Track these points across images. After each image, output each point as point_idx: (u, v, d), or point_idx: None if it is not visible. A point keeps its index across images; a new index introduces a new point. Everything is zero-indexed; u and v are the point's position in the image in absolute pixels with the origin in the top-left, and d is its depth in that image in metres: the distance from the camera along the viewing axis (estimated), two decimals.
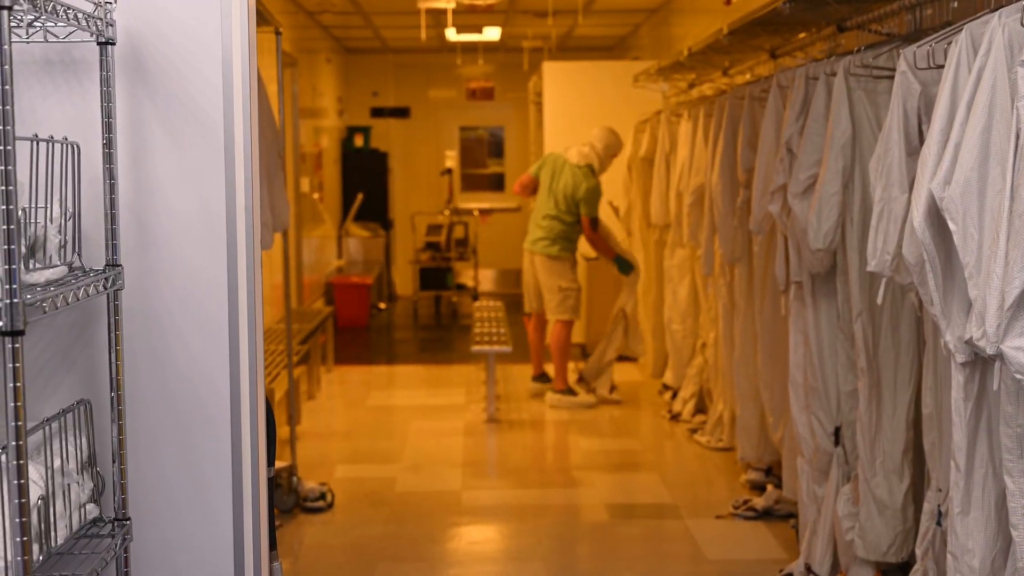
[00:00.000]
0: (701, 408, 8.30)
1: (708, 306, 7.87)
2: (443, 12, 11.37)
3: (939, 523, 3.97)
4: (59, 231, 2.79)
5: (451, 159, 14.77)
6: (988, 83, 3.06)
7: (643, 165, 9.57)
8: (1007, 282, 2.86)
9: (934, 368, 4.03)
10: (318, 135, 13.06)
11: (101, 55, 3.01)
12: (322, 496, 6.58)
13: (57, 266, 2.76)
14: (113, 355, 3.02)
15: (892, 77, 3.93)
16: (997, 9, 3.13)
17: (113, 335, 3.02)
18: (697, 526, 6.21)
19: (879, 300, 3.98)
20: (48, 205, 2.77)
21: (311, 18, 12.16)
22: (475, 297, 13.72)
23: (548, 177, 9.31)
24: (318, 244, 12.95)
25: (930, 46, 3.67)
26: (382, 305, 14.27)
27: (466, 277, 14.58)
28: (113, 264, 3.02)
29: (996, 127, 3.04)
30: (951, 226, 3.12)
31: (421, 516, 6.50)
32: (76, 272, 2.88)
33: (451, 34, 12.56)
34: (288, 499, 6.49)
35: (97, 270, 2.98)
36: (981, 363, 3.25)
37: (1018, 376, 2.88)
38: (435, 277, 13.87)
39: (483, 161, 16.58)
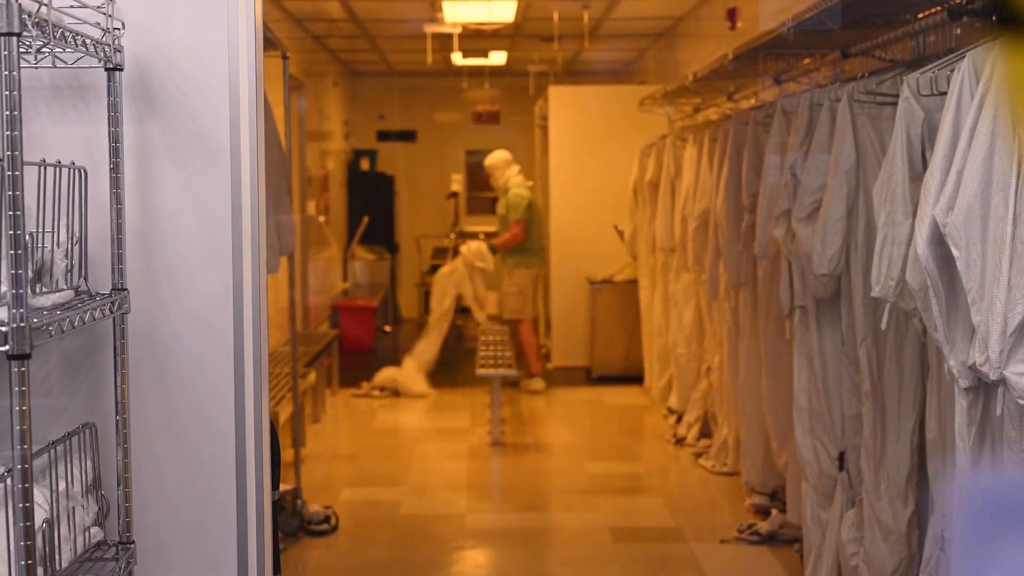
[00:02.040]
0: (706, 432, 8.30)
1: (713, 330, 7.88)
2: (449, 36, 11.41)
3: (943, 548, 3.96)
4: (66, 255, 2.81)
5: (457, 182, 14.78)
6: (991, 110, 3.08)
7: (648, 189, 9.59)
8: (1010, 308, 2.87)
9: (938, 393, 4.03)
10: (324, 158, 13.09)
11: (109, 80, 3.04)
12: (326, 519, 6.58)
13: (63, 290, 2.77)
14: (119, 379, 3.03)
15: (896, 103, 3.95)
16: (999, 37, 3.15)
17: (119, 359, 3.03)
18: (701, 550, 6.20)
19: (883, 325, 3.99)
20: (55, 230, 2.78)
21: (318, 42, 12.20)
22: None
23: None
24: (324, 267, 12.96)
25: (933, 73, 3.69)
26: (387, 328, 14.27)
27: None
28: (119, 288, 3.04)
29: (998, 154, 3.05)
30: (954, 252, 3.13)
31: (426, 540, 6.50)
32: (82, 296, 2.89)
33: (457, 58, 12.60)
34: (292, 522, 6.49)
35: (103, 294, 2.99)
36: (984, 388, 3.26)
37: (1021, 401, 2.89)
38: None
39: (489, 185, 16.61)
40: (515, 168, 11.08)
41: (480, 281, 11.08)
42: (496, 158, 11.14)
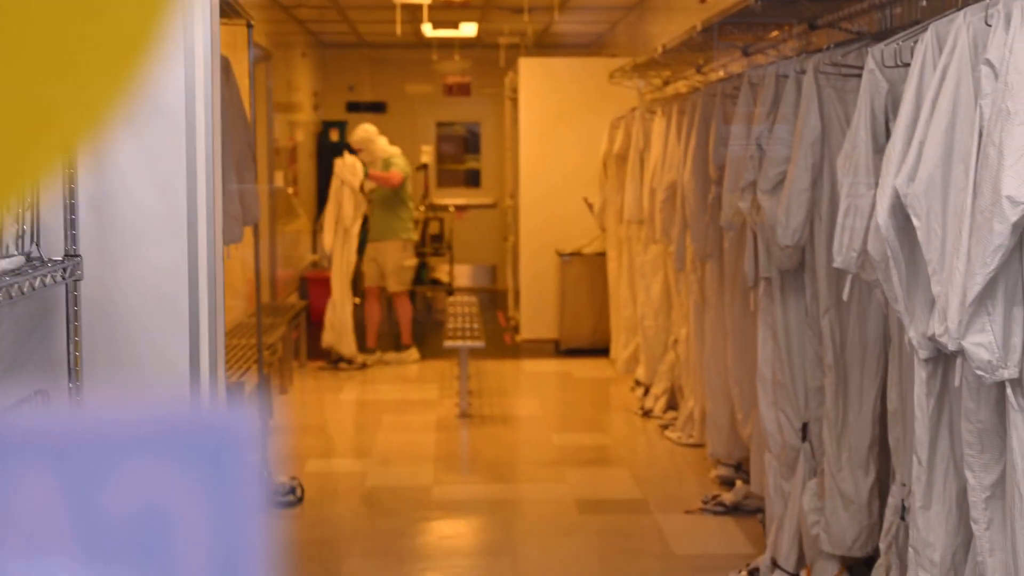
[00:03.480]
0: (673, 404, 8.31)
1: (680, 302, 7.88)
2: (419, 7, 11.34)
3: (903, 517, 3.98)
4: (16, 220, 2.77)
5: (427, 154, 14.72)
6: (952, 81, 3.07)
7: (617, 162, 9.58)
8: (968, 278, 2.86)
9: (899, 364, 4.04)
10: (293, 129, 13.01)
11: None
12: (292, 491, 6.56)
13: (13, 256, 2.74)
14: (71, 346, 3.00)
15: (861, 75, 3.94)
16: (963, 8, 3.14)
17: (71, 326, 3.00)
18: (666, 521, 6.21)
19: (845, 296, 4.00)
20: None
21: (287, 12, 12.12)
22: (450, 292, 13.70)
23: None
24: (292, 238, 12.90)
25: (897, 44, 3.69)
26: (356, 300, 14.22)
27: (441, 273, 14.56)
28: (72, 255, 3.01)
29: (960, 125, 3.05)
30: (915, 222, 3.13)
31: (391, 511, 6.49)
32: (34, 262, 2.86)
33: (427, 29, 12.53)
34: None
35: (56, 260, 2.96)
36: (944, 359, 3.27)
37: (979, 372, 2.89)
38: None
39: (459, 157, 16.57)
40: (384, 139, 11.01)
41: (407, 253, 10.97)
42: (365, 132, 10.97)
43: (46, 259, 2.93)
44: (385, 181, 10.73)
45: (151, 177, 3.18)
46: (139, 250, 3.19)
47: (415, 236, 11.28)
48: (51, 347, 3.10)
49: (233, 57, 5.86)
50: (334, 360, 10.55)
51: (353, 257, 10.74)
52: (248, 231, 6.33)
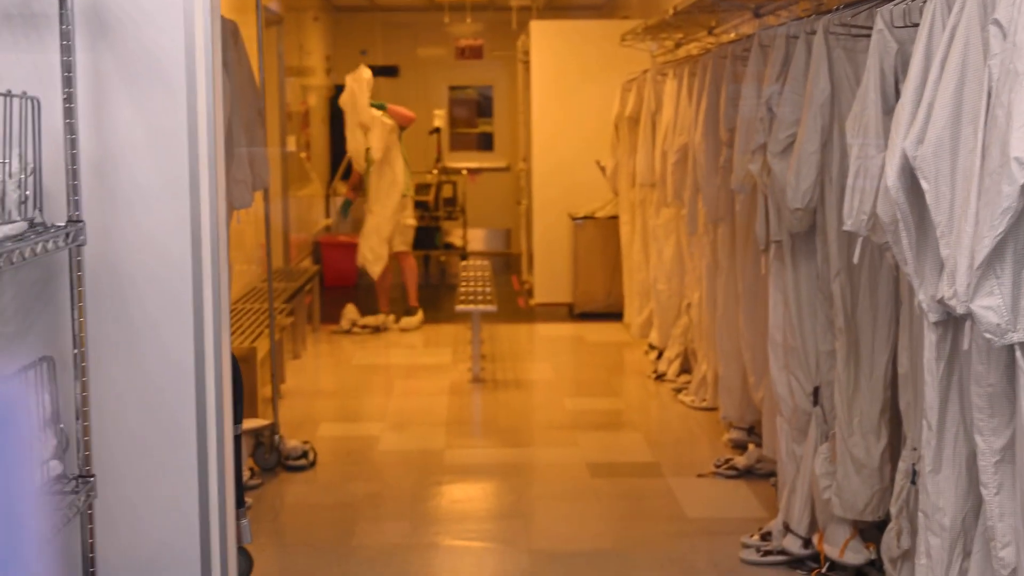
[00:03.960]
0: (686, 368, 8.30)
1: (693, 266, 7.85)
2: None
3: (913, 482, 3.96)
4: (19, 186, 2.76)
5: (439, 118, 14.67)
6: (961, 41, 3.03)
7: (629, 124, 9.53)
8: (977, 241, 2.84)
9: (910, 328, 4.02)
10: (305, 94, 12.97)
11: (60, 8, 2.97)
12: (304, 455, 6.57)
13: (16, 222, 2.73)
14: (75, 312, 2.99)
15: (871, 36, 3.90)
16: None
17: (75, 291, 2.99)
18: (679, 485, 6.21)
19: (855, 260, 3.96)
20: (7, 160, 2.73)
21: None
22: (463, 256, 13.69)
23: None
24: (305, 203, 12.89)
25: (907, 4, 3.65)
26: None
27: (454, 236, 14.55)
28: (75, 220, 2.99)
29: (968, 85, 3.01)
30: (923, 185, 3.10)
31: (404, 475, 6.50)
32: (37, 228, 2.85)
33: None
34: (270, 457, 6.49)
35: (59, 226, 2.95)
36: (953, 322, 3.24)
37: (987, 335, 2.87)
38: (423, 236, 13.82)
39: (472, 120, 16.50)
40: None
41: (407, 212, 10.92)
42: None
43: (49, 224, 2.92)
44: (405, 119, 10.65)
45: (152, 141, 3.16)
46: (142, 215, 3.18)
47: (412, 194, 11.09)
48: (55, 313, 3.09)
49: (242, 21, 5.84)
50: (347, 328, 10.53)
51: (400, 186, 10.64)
52: (257, 196, 6.31)
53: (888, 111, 3.67)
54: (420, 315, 10.84)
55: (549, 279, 11.59)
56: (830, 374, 4.92)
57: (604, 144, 10.27)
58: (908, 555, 4.01)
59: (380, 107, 10.59)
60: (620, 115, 9.83)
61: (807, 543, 5.02)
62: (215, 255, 3.21)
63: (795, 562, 5.05)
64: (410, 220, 10.94)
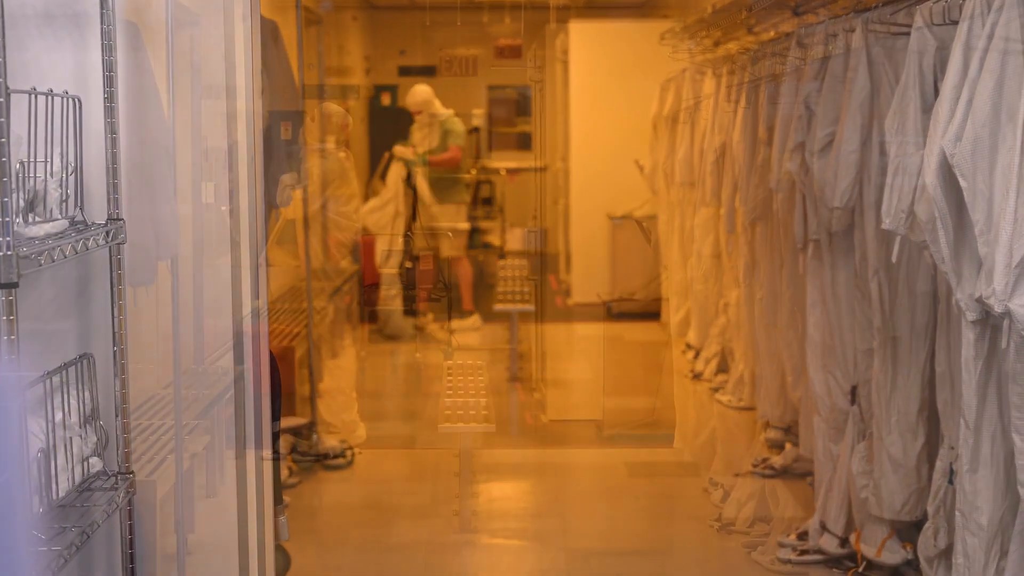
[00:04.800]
0: (724, 367, 8.27)
1: (731, 265, 7.83)
2: None
3: (951, 481, 3.94)
4: (60, 185, 2.79)
5: (478, 117, 14.68)
6: (1000, 39, 3.02)
7: (668, 123, 9.51)
8: (1016, 239, 2.83)
9: (947, 327, 4.00)
10: (345, 93, 13.01)
11: (102, 7, 3.00)
12: (342, 454, 6.60)
13: (57, 220, 2.75)
14: (115, 309, 3.01)
15: (910, 33, 3.88)
16: None
17: (115, 289, 3.02)
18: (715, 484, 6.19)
19: (894, 258, 3.95)
20: (48, 159, 2.75)
21: None
22: (501, 256, 13.68)
23: None
24: (344, 202, 12.92)
25: (946, 2, 3.63)
26: (408, 264, 14.24)
27: (493, 236, 14.55)
28: (115, 218, 3.02)
29: (1008, 83, 3.01)
30: (962, 183, 3.09)
31: (441, 474, 6.51)
32: (78, 226, 2.87)
33: None
34: (308, 456, 6.52)
35: (99, 224, 2.97)
36: (992, 321, 3.22)
37: None
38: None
39: (511, 120, 16.48)
40: (438, 101, 11.16)
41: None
42: (423, 93, 11.20)
43: (90, 223, 2.94)
44: (450, 164, 10.77)
45: (192, 140, 3.18)
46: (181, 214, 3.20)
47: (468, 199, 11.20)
48: (96, 311, 3.12)
49: (282, 21, 5.86)
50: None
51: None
52: (296, 195, 6.34)
53: (927, 109, 3.66)
54: (477, 317, 10.85)
55: (586, 278, 11.57)
56: (868, 373, 4.90)
57: (642, 143, 10.26)
58: (945, 554, 3.99)
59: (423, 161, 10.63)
60: (658, 114, 9.81)
61: (844, 542, 5.01)
62: (254, 254, 3.24)
63: (832, 561, 5.04)
64: (462, 224, 10.90)
